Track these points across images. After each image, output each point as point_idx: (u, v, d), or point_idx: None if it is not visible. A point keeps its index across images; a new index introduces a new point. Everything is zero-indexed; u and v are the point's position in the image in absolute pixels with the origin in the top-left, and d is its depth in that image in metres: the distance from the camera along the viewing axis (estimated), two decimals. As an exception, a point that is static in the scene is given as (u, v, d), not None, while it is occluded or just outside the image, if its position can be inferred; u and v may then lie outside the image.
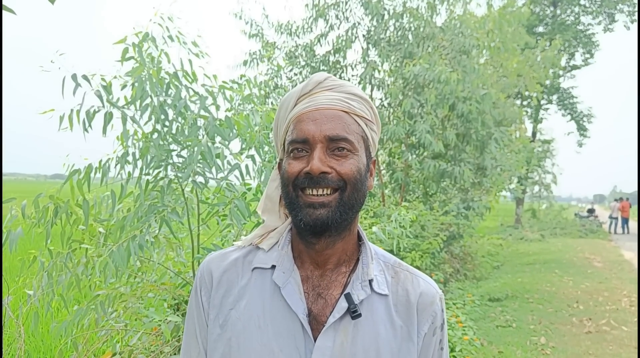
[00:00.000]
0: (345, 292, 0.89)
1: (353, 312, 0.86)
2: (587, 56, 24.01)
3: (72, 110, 2.01)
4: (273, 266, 0.93)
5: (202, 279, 0.96)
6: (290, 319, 0.87)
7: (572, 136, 25.55)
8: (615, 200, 23.82)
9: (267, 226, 1.00)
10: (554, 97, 24.38)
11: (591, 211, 26.66)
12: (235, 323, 0.89)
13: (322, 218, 0.85)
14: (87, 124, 2.04)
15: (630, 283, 8.90)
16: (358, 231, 0.97)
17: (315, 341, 0.86)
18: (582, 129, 24.93)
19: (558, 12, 23.59)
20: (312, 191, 0.86)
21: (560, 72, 22.82)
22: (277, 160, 1.00)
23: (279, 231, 0.99)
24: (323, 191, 0.85)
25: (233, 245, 1.02)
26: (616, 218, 22.85)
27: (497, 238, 14.62)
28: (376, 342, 0.88)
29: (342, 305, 0.87)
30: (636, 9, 22.81)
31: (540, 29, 23.44)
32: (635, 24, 22.99)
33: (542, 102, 23.21)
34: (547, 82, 18.29)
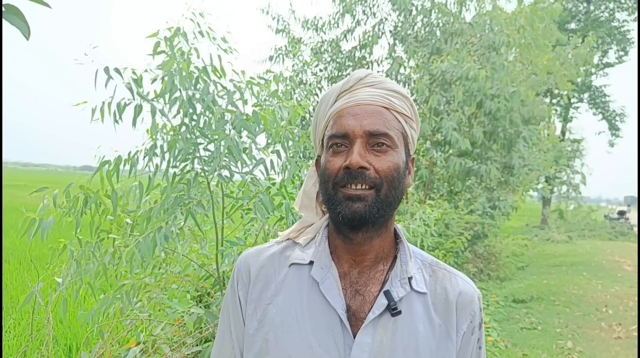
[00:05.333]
0: (384, 289, 0.88)
1: (393, 309, 0.86)
2: (622, 53, 23.31)
3: (103, 102, 2.05)
4: (311, 262, 0.93)
5: (239, 274, 0.97)
6: (329, 314, 0.87)
7: (602, 136, 24.89)
8: (647, 202, 23.09)
9: (305, 221, 1.01)
10: (585, 95, 23.80)
11: (622, 213, 25.93)
12: (273, 318, 0.89)
13: (360, 212, 0.85)
14: (117, 117, 2.08)
15: (662, 288, 8.60)
16: (395, 229, 0.97)
17: (354, 337, 0.86)
18: (614, 128, 24.28)
19: (591, 8, 22.96)
20: (350, 185, 0.86)
21: (593, 70, 22.23)
22: (315, 157, 1.01)
23: (315, 227, 0.99)
24: (361, 186, 0.85)
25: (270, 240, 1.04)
26: (648, 221, 22.14)
27: (523, 238, 14.39)
28: (415, 340, 0.87)
29: (382, 301, 0.87)
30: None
31: (573, 25, 22.86)
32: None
33: (573, 100, 22.66)
34: (579, 80, 17.83)
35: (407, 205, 7.06)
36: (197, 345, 2.53)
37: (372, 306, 0.87)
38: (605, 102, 23.79)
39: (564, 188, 25.90)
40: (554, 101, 21.30)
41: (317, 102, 0.96)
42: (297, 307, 0.89)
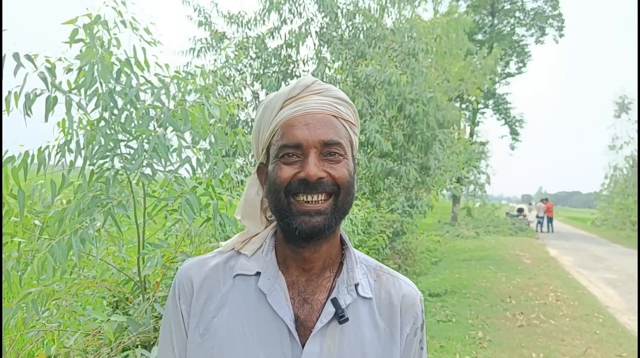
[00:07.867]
0: (331, 297, 0.88)
1: (340, 317, 0.86)
2: (521, 64, 25.61)
3: (9, 92, 1.84)
4: (257, 273, 0.90)
5: (181, 286, 0.91)
6: (277, 326, 0.85)
7: (505, 139, 27.18)
8: (541, 201, 25.40)
9: (248, 232, 0.97)
10: (490, 102, 25.75)
11: (520, 210, 28.41)
12: (218, 331, 0.86)
13: (319, 226, 0.84)
14: (27, 109, 1.88)
15: (555, 278, 9.57)
16: (341, 235, 0.97)
17: (302, 347, 0.84)
18: (514, 133, 26.54)
19: (496, 21, 24.92)
20: (306, 197, 0.84)
21: (497, 79, 24.07)
22: (257, 164, 0.96)
23: (261, 236, 0.96)
24: (318, 198, 0.84)
25: (213, 250, 0.99)
26: (542, 218, 24.35)
27: (436, 234, 15.14)
28: (362, 346, 0.88)
29: (329, 309, 0.87)
30: (564, 24, 24.74)
31: (480, 36, 24.64)
32: (564, 38, 24.95)
33: (480, 106, 24.38)
34: (485, 87, 19.18)
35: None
36: (115, 356, 2.36)
37: (320, 315, 0.87)
38: (507, 109, 25.97)
39: (472, 187, 27.70)
40: (464, 106, 22.73)
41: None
42: (243, 320, 0.86)
